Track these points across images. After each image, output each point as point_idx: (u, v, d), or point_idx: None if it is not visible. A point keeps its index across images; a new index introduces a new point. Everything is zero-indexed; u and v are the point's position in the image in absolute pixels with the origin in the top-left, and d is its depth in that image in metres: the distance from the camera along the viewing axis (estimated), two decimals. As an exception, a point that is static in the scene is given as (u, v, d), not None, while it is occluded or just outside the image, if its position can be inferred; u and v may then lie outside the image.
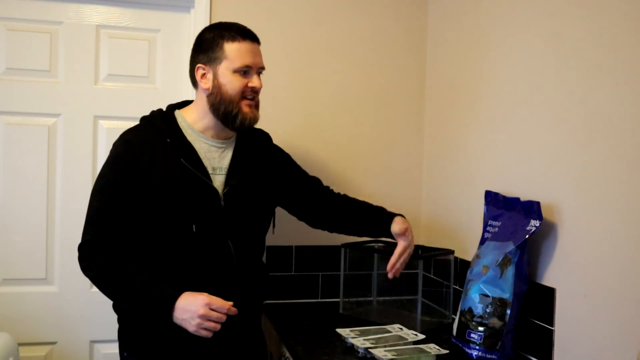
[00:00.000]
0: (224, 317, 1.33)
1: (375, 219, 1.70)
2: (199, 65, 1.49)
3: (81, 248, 1.46)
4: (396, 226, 1.65)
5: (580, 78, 1.34)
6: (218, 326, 1.33)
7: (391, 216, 1.69)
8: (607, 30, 1.26)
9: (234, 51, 1.46)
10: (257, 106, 1.52)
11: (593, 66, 1.29)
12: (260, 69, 1.51)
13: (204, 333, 1.32)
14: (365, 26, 2.17)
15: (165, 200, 1.42)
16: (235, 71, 1.46)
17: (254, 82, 1.48)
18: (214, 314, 1.32)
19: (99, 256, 1.42)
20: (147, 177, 1.42)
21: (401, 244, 1.64)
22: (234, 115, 1.47)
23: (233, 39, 1.46)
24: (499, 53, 1.70)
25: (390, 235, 1.68)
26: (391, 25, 2.19)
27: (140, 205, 1.43)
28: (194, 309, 1.31)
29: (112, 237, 1.44)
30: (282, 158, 1.73)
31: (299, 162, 1.79)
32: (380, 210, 1.72)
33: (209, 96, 1.48)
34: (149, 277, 1.40)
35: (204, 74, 1.49)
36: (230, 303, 1.34)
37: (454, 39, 2.00)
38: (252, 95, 1.49)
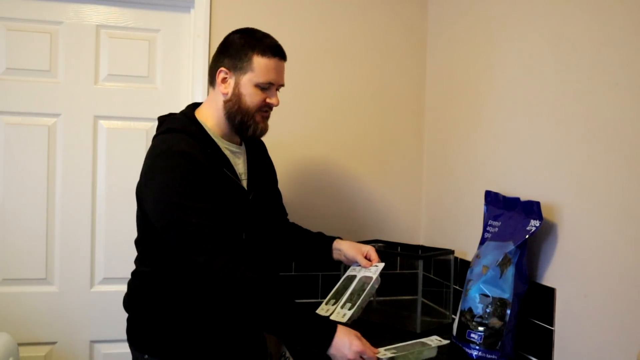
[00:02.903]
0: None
1: (315, 250, 1.69)
2: (222, 68, 1.47)
3: (216, 263, 1.31)
4: (352, 253, 1.61)
5: (580, 78, 1.34)
6: None
7: (329, 244, 1.67)
8: (607, 30, 1.25)
9: (261, 66, 1.45)
10: (268, 118, 1.54)
11: (593, 66, 1.29)
12: (280, 86, 1.52)
13: None
14: (365, 27, 2.17)
15: (223, 208, 1.40)
16: (257, 85, 1.46)
17: (272, 99, 1.49)
18: (361, 356, 1.33)
19: (242, 267, 1.32)
20: (209, 186, 1.39)
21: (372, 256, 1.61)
22: (248, 126, 1.48)
23: (263, 53, 1.45)
24: (498, 53, 1.70)
25: (330, 259, 1.66)
26: (391, 26, 2.19)
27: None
28: (346, 352, 1.31)
29: (233, 239, 1.37)
30: (273, 170, 1.75)
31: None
32: (317, 238, 1.71)
33: (226, 102, 1.48)
34: (299, 305, 1.37)
35: (225, 79, 1.47)
36: (378, 351, 1.36)
37: (454, 39, 2.00)
38: (267, 109, 1.50)
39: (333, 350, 1.32)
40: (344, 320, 1.43)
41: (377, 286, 1.51)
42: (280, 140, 2.09)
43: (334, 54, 2.15)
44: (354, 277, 1.57)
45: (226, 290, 1.33)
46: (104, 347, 2.02)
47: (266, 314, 1.34)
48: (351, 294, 1.51)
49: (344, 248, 1.63)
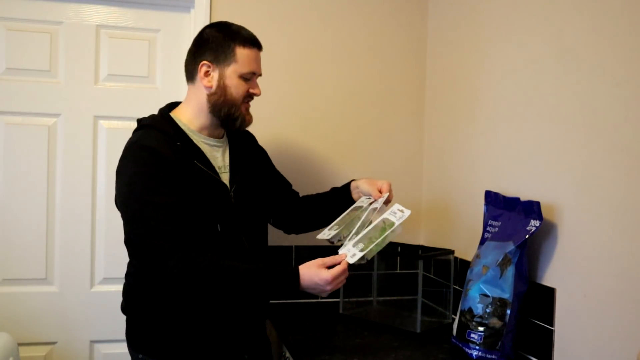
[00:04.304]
0: (345, 276, 1.38)
1: (336, 196, 1.70)
2: (204, 62, 1.48)
3: (169, 262, 1.32)
4: (366, 186, 1.60)
5: (580, 78, 1.34)
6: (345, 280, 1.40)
7: (347, 185, 1.68)
8: (607, 30, 1.26)
9: (244, 57, 1.48)
10: (248, 108, 1.56)
11: (593, 66, 1.29)
12: (259, 75, 1.55)
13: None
14: (365, 27, 2.17)
15: (192, 202, 1.41)
16: (241, 76, 1.49)
17: (255, 89, 1.53)
18: (339, 281, 1.37)
19: (199, 257, 1.33)
20: (177, 179, 1.40)
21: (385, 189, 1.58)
22: (236, 117, 1.50)
23: (244, 44, 1.49)
24: (498, 53, 1.69)
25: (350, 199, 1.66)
26: (391, 26, 2.19)
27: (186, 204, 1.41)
28: (322, 288, 1.36)
29: (195, 237, 1.37)
30: (266, 159, 1.77)
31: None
32: (334, 189, 1.74)
33: (210, 95, 1.49)
34: (258, 265, 1.40)
35: (207, 72, 1.48)
36: (345, 262, 1.38)
37: (454, 39, 2.00)
38: (250, 99, 1.53)
39: (310, 291, 1.38)
40: (353, 261, 1.40)
41: (395, 223, 1.44)
42: (280, 140, 2.09)
43: (334, 54, 2.15)
44: (361, 207, 1.55)
45: (186, 285, 1.35)
46: (104, 347, 2.02)
47: (231, 288, 1.35)
48: (360, 226, 1.47)
49: (360, 184, 1.64)
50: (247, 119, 1.53)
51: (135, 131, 1.51)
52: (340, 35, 2.15)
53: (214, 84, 1.48)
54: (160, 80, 2.09)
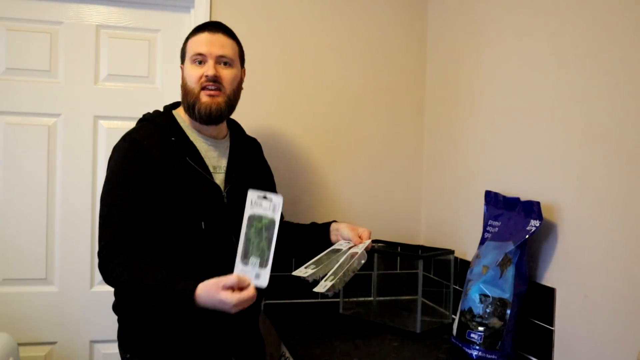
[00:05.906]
0: (253, 296, 1.28)
1: (314, 233, 1.69)
2: (180, 66, 1.57)
3: (100, 254, 1.39)
4: (347, 231, 1.60)
5: (580, 78, 1.34)
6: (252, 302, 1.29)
7: (327, 225, 1.68)
8: (607, 30, 1.25)
9: (191, 44, 1.51)
10: (228, 101, 1.50)
11: (593, 66, 1.29)
12: (220, 58, 1.49)
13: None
14: (365, 27, 2.17)
15: (176, 198, 1.42)
16: (192, 62, 1.49)
17: (206, 69, 1.46)
18: (246, 305, 1.27)
19: (120, 257, 1.36)
20: (159, 174, 1.41)
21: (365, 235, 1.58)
22: (193, 105, 1.48)
23: (193, 34, 1.53)
24: (498, 53, 1.70)
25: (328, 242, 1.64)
26: (391, 25, 2.19)
27: (154, 201, 1.42)
28: (226, 309, 1.27)
29: (133, 235, 1.38)
30: (268, 173, 1.76)
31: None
32: (314, 225, 1.73)
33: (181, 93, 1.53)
34: (164, 273, 1.34)
35: (182, 75, 1.55)
36: (248, 282, 1.30)
37: (453, 39, 2.00)
38: (211, 85, 1.47)
39: (208, 306, 1.28)
40: (323, 290, 1.38)
41: (363, 261, 1.50)
42: (279, 140, 2.09)
43: (334, 53, 2.15)
44: (339, 250, 1.55)
45: (106, 279, 1.39)
46: (104, 347, 2.02)
47: (136, 290, 1.36)
48: (338, 267, 1.46)
49: (341, 228, 1.63)
50: (206, 105, 1.46)
51: (136, 123, 1.56)
52: (340, 35, 2.15)
53: (181, 81, 1.53)
54: (160, 80, 2.09)
